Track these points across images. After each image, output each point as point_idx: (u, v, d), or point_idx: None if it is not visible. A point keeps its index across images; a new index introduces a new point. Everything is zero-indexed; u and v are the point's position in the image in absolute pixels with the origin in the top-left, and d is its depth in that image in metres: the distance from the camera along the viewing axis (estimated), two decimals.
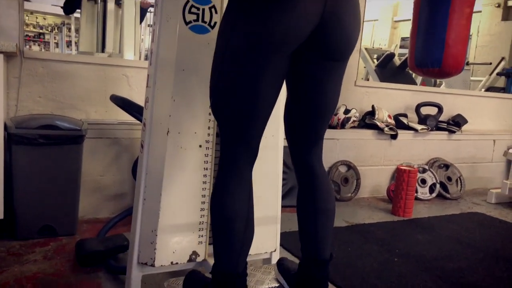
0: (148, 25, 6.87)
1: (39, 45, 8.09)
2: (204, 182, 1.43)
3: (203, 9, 1.35)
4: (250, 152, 1.16)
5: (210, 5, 1.36)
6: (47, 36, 8.08)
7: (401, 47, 6.90)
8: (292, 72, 1.16)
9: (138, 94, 2.34)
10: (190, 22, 1.34)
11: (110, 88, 2.30)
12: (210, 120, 1.41)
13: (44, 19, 8.29)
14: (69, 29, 7.29)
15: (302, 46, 1.07)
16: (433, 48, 2.09)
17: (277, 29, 0.99)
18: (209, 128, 1.41)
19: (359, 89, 3.08)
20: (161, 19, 1.35)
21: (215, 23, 1.37)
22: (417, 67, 2.20)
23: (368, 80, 5.18)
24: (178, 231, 1.42)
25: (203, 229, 1.45)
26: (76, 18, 5.92)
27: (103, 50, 3.18)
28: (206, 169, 1.43)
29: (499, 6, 5.96)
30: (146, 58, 6.76)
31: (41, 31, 8.16)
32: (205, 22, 1.36)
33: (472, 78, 5.58)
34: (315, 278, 1.25)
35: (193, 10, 1.34)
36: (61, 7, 3.73)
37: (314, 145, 1.25)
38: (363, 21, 3.17)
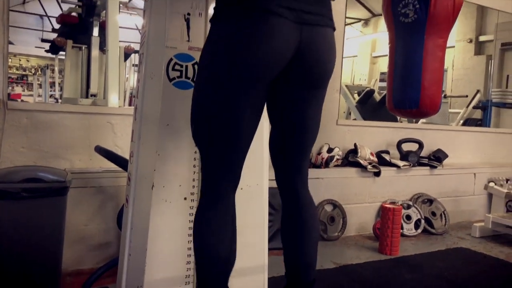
0: (133, 65, 6.96)
1: (21, 86, 8.08)
2: (190, 235, 1.42)
3: (186, 66, 1.39)
4: (232, 178, 1.18)
5: (193, 61, 1.40)
6: (30, 78, 8.09)
7: (380, 80, 7.09)
8: (272, 100, 1.21)
9: (123, 141, 2.35)
10: (173, 78, 1.38)
11: (95, 136, 2.31)
12: (194, 172, 1.42)
13: (28, 61, 8.32)
14: (53, 71, 7.32)
15: (281, 75, 1.12)
16: (410, 90, 2.17)
17: (256, 59, 1.05)
18: (193, 180, 1.43)
19: (341, 127, 3.15)
20: (145, 76, 1.38)
21: None
22: (395, 108, 2.27)
23: (350, 114, 5.30)
24: (164, 286, 1.40)
25: (189, 283, 1.43)
26: (60, 60, 5.97)
27: (87, 96, 3.20)
28: (191, 221, 1.43)
29: (471, 41, 6.22)
30: (131, 99, 6.81)
31: (24, 73, 8.17)
32: (189, 78, 1.40)
33: (450, 110, 5.73)
34: None
35: (177, 67, 1.38)
36: (46, 51, 3.77)
37: (299, 171, 1.29)
38: (343, 58, 3.28)
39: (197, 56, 1.38)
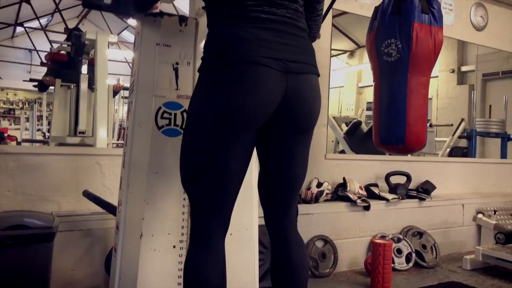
0: (122, 97, 6.98)
1: (8, 120, 8.03)
2: (179, 284, 1.40)
3: (175, 114, 1.41)
4: (221, 223, 1.18)
5: (182, 109, 1.42)
6: (17, 112, 8.06)
7: (367, 109, 7.21)
8: (261, 146, 1.23)
9: (111, 182, 2.33)
10: (162, 126, 1.39)
11: (83, 177, 2.29)
12: (183, 219, 1.42)
13: (15, 94, 8.31)
14: (40, 104, 7.32)
15: (269, 122, 1.14)
16: (395, 127, 2.21)
17: (243, 108, 1.08)
18: (182, 227, 1.42)
19: (330, 161, 3.17)
20: (133, 124, 1.39)
21: None
22: (382, 145, 2.31)
23: (338, 143, 5.35)
24: None
25: None
26: (49, 93, 5.97)
27: (75, 133, 3.19)
28: (181, 269, 1.41)
29: (453, 71, 6.38)
30: (120, 132, 6.79)
31: (11, 107, 8.14)
32: (177, 126, 1.41)
33: (437, 139, 5.82)
34: None
35: (165, 115, 1.39)
36: (34, 86, 3.77)
37: (287, 212, 1.31)
38: (329, 89, 3.33)
39: (185, 103, 1.40)
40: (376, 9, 2.22)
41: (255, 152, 1.27)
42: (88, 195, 1.86)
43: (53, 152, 2.25)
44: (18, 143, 6.05)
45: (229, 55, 1.09)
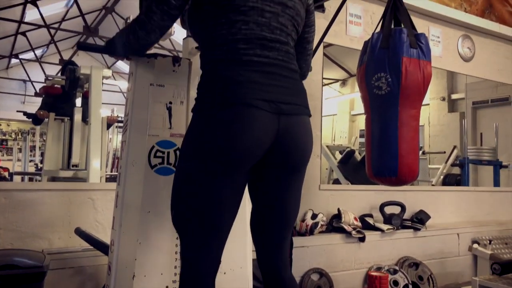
0: (116, 127, 6.97)
1: (1, 151, 7.99)
2: None
3: (168, 152, 1.42)
4: (212, 262, 1.17)
5: (175, 148, 1.42)
6: (10, 143, 8.02)
7: (360, 136, 7.25)
8: (252, 183, 1.23)
9: (104, 217, 2.31)
10: (155, 165, 1.39)
11: (75, 212, 2.27)
12: (176, 259, 1.40)
13: (8, 125, 8.29)
14: (33, 134, 7.30)
15: (260, 162, 1.15)
16: (388, 159, 2.22)
17: (235, 149, 1.09)
18: (175, 267, 1.40)
19: (324, 192, 3.17)
20: (127, 164, 1.39)
21: None
22: (375, 176, 2.32)
23: (332, 171, 5.36)
24: None
25: None
26: (42, 123, 5.97)
27: (68, 166, 3.17)
28: None
29: (444, 99, 6.48)
30: (114, 161, 6.75)
31: (4, 137, 8.11)
32: (170, 164, 1.41)
33: (430, 166, 5.84)
34: None
35: (158, 154, 1.40)
36: (27, 117, 3.77)
37: (279, 250, 1.30)
38: (322, 117, 3.35)
39: (178, 142, 1.41)
40: (366, 43, 2.26)
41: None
42: (80, 233, 1.83)
43: (45, 188, 2.23)
44: (10, 175, 6.00)
45: (222, 97, 1.11)
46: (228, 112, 1.10)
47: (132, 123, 1.39)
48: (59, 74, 3.60)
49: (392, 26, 2.22)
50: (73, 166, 3.11)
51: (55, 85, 3.49)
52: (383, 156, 2.25)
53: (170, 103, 1.42)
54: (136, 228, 1.35)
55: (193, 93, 1.31)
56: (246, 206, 1.42)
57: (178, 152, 1.41)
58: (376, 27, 2.26)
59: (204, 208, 1.12)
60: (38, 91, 5.03)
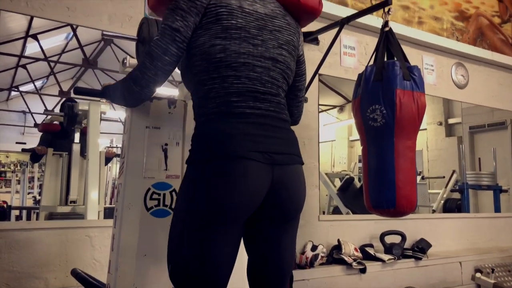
0: (115, 156, 6.96)
1: None
2: None
3: (164, 194, 1.42)
4: None
5: (171, 189, 1.43)
6: (9, 174, 8.00)
7: (359, 161, 7.25)
8: (248, 234, 1.22)
9: (102, 254, 2.29)
10: (151, 208, 1.39)
11: (72, 251, 2.25)
12: None
13: (7, 157, 8.28)
14: (32, 165, 7.27)
15: (256, 212, 1.15)
16: (385, 190, 2.22)
17: (230, 201, 1.10)
18: None
19: (324, 223, 3.15)
20: (122, 207, 1.39)
21: None
22: (373, 208, 2.31)
23: (332, 198, 5.33)
24: None
25: None
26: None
27: (66, 202, 3.16)
28: None
29: (441, 124, 6.52)
30: (113, 190, 6.70)
31: (2, 169, 8.09)
32: (166, 206, 1.41)
33: (430, 191, 5.82)
34: None
35: (154, 196, 1.40)
36: (23, 150, 3.77)
37: None
38: (320, 143, 3.36)
39: (174, 183, 1.42)
40: (360, 76, 2.30)
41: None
42: (76, 275, 1.81)
43: (42, 226, 2.22)
44: (8, 208, 5.95)
45: (216, 149, 1.12)
46: (222, 164, 1.11)
47: (128, 166, 1.40)
48: (58, 109, 3.63)
49: (385, 59, 2.26)
50: (71, 202, 3.10)
51: (54, 122, 3.51)
52: (381, 188, 2.24)
53: (166, 144, 1.43)
54: (132, 272, 1.34)
55: (189, 133, 1.33)
56: (243, 256, 1.40)
57: (174, 194, 1.42)
58: (369, 60, 2.30)
59: (200, 262, 1.11)
60: (37, 122, 5.05)
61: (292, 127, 1.34)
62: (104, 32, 2.47)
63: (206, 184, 1.10)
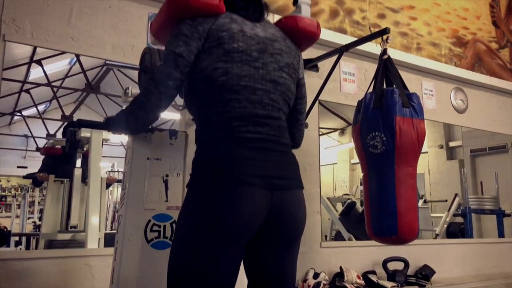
0: (116, 181, 6.96)
1: (0, 207, 7.93)
2: None
3: (164, 226, 1.42)
4: None
5: (171, 221, 1.43)
6: (9, 199, 7.98)
7: (361, 184, 7.22)
8: (247, 260, 1.22)
9: (101, 284, 2.26)
10: (151, 239, 1.39)
11: (72, 280, 2.22)
12: None
13: (8, 181, 8.28)
14: (33, 189, 7.25)
15: (255, 237, 1.14)
16: (387, 218, 2.21)
17: (230, 225, 1.11)
18: None
19: (326, 250, 3.12)
20: (123, 239, 1.39)
21: None
22: (375, 236, 2.30)
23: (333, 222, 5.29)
24: None
25: None
26: None
27: (67, 228, 3.15)
28: None
29: (442, 147, 6.51)
30: (114, 214, 6.66)
31: (3, 193, 8.07)
32: (167, 238, 1.41)
33: (432, 215, 5.77)
34: None
35: (155, 228, 1.40)
36: (24, 177, 3.77)
37: None
38: (321, 166, 3.36)
39: (175, 215, 1.42)
40: (359, 103, 2.31)
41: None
42: None
43: (41, 256, 2.20)
44: (8, 232, 5.91)
45: (216, 174, 1.13)
46: (221, 189, 1.12)
47: (129, 197, 1.40)
48: (60, 132, 3.66)
49: (384, 86, 2.29)
50: (71, 227, 3.08)
51: (56, 146, 3.53)
52: (382, 215, 2.23)
53: (167, 175, 1.43)
54: None
55: (190, 164, 1.33)
56: (243, 281, 1.40)
57: (174, 226, 1.42)
58: (369, 87, 2.32)
59: (199, 283, 1.11)
60: (39, 146, 5.08)
61: (293, 152, 1.35)
62: (108, 62, 2.51)
63: (205, 208, 1.11)
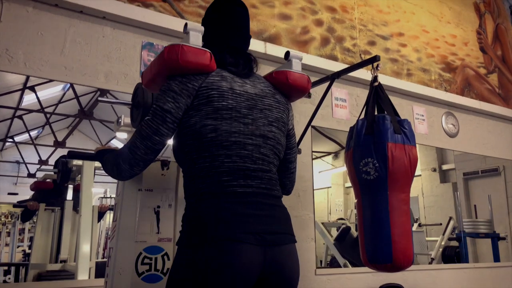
0: (109, 208, 6.88)
1: None
2: None
3: (156, 258, 1.39)
4: None
5: (163, 253, 1.40)
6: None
7: (355, 207, 7.19)
8: None
9: None
10: (142, 273, 1.36)
11: None
12: None
13: None
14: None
15: None
16: (381, 245, 2.19)
17: (222, 284, 1.05)
18: None
19: (320, 277, 3.07)
20: (114, 272, 1.36)
21: (168, 269, 1.40)
22: (370, 263, 2.27)
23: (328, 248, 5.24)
24: None
25: None
26: None
27: (57, 259, 3.08)
28: None
29: (435, 170, 6.54)
30: (107, 240, 6.56)
31: None
32: (158, 270, 1.39)
33: (427, 239, 5.74)
34: None
35: (146, 260, 1.38)
36: (14, 206, 3.72)
37: None
38: (315, 190, 3.33)
39: (166, 247, 1.40)
40: (351, 129, 2.33)
41: None
42: None
43: None
44: None
45: (206, 232, 1.12)
46: (212, 247, 1.10)
47: (120, 230, 1.38)
48: (53, 159, 3.62)
49: (376, 113, 2.31)
50: (61, 261, 3.03)
51: (47, 180, 3.49)
52: (376, 242, 2.21)
53: (158, 207, 1.42)
54: None
55: (181, 196, 1.32)
56: None
57: (165, 258, 1.39)
58: (361, 113, 2.34)
59: None
60: (30, 172, 5.02)
61: None
62: (99, 98, 2.51)
63: (195, 266, 1.10)
